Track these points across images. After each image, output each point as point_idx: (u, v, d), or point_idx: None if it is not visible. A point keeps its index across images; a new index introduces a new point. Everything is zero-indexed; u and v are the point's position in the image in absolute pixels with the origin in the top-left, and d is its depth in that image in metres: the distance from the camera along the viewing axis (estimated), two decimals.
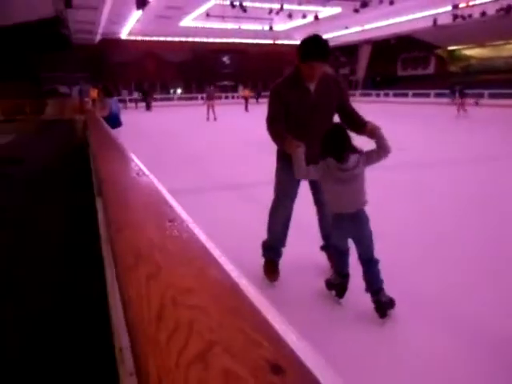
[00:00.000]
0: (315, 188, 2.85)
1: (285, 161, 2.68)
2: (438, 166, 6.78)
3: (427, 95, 28.55)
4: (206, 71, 35.08)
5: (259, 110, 7.79)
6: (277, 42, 33.98)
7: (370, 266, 2.37)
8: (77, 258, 1.87)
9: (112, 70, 31.58)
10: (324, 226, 2.99)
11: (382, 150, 2.36)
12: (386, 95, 31.84)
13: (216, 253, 0.65)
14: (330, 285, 2.63)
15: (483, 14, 21.12)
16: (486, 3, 20.30)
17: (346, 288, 2.57)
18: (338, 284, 2.58)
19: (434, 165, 6.85)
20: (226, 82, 36.53)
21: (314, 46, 2.48)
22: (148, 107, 25.77)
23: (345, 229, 2.43)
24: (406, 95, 30.52)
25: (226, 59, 36.80)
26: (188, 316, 0.46)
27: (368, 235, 2.38)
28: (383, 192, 4.74)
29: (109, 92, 6.54)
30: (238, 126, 15.31)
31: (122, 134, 6.30)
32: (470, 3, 21.09)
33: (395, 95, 31.31)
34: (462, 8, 21.61)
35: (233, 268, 0.63)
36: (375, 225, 2.40)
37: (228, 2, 19.86)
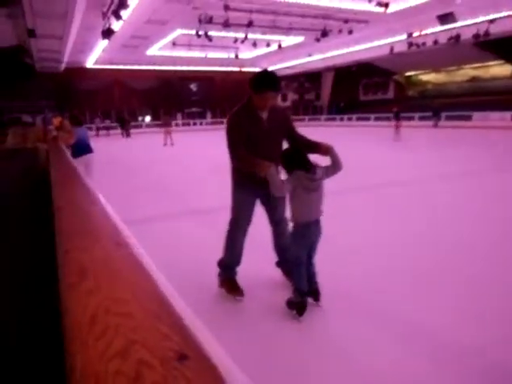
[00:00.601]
0: (270, 208, 3.06)
1: (241, 183, 2.93)
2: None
3: (388, 118, 29.74)
4: (173, 98, 35.34)
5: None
6: (243, 69, 34.76)
7: (313, 264, 2.81)
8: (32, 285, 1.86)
9: (78, 97, 31.31)
10: (280, 243, 3.15)
11: (336, 166, 2.72)
12: (350, 119, 32.98)
13: (152, 268, 0.74)
14: (290, 303, 2.76)
15: (435, 42, 22.42)
16: (437, 32, 21.58)
17: (305, 306, 2.70)
18: (298, 302, 2.71)
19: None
20: (193, 109, 36.87)
21: (265, 78, 2.76)
22: (128, 135, 27.86)
23: (311, 236, 2.69)
24: (368, 119, 31.69)
25: (193, 86, 37.24)
26: (116, 321, 0.54)
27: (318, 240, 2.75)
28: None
29: (78, 121, 6.61)
30: (196, 151, 15.59)
31: (92, 161, 6.36)
32: (423, 32, 22.37)
33: (358, 119, 32.48)
34: (416, 37, 22.91)
35: (164, 281, 0.71)
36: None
37: (193, 32, 20.25)
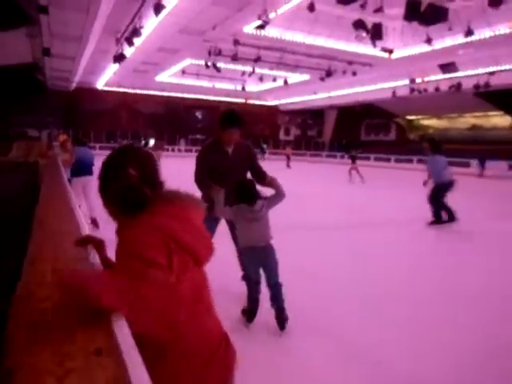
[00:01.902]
0: (232, 229, 3.40)
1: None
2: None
3: (388, 160, 30.23)
4: (178, 124, 35.99)
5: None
6: (248, 101, 35.59)
7: (276, 288, 2.99)
8: None
9: (85, 117, 31.93)
10: (241, 261, 3.56)
11: (278, 195, 3.08)
12: (356, 157, 33.49)
13: None
14: (243, 312, 3.20)
15: (437, 89, 23.09)
16: (439, 80, 22.25)
17: (255, 313, 3.10)
18: (249, 310, 3.12)
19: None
20: (197, 136, 37.44)
21: (229, 117, 3.23)
22: None
23: (256, 259, 3.02)
24: (368, 158, 32.13)
25: (198, 114, 38.00)
26: (55, 323, 0.65)
27: (275, 263, 3.02)
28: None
29: (80, 141, 6.69)
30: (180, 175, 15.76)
31: (89, 183, 6.15)
32: (425, 79, 23.07)
33: (358, 158, 32.92)
34: (418, 83, 23.61)
35: None
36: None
37: (203, 62, 20.92)
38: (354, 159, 16.62)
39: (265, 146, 33.76)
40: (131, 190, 1.12)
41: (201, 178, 3.27)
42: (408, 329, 3.15)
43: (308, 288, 3.96)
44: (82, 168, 6.14)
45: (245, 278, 3.54)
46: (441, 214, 7.07)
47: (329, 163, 32.80)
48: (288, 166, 24.77)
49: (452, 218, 6.95)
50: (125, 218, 1.13)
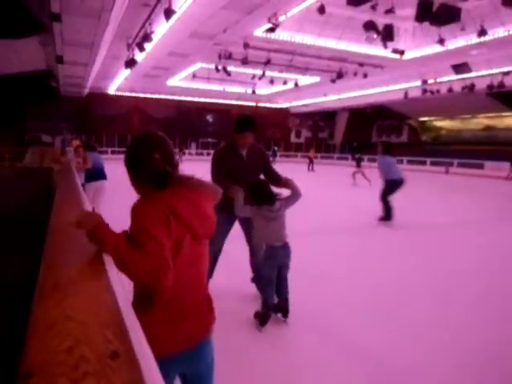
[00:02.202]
0: (247, 231, 3.54)
1: (219, 206, 3.37)
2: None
3: (400, 161, 29.94)
4: (189, 128, 36.19)
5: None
6: (259, 104, 35.63)
7: (285, 279, 3.19)
8: None
9: (97, 122, 32.30)
10: (254, 262, 3.63)
11: (295, 195, 3.19)
12: (361, 160, 33.15)
13: (115, 281, 0.85)
14: (256, 315, 3.21)
15: (450, 90, 22.82)
16: (452, 81, 22.00)
17: (268, 318, 3.14)
18: (263, 314, 3.15)
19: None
20: (209, 139, 37.61)
21: (243, 122, 3.39)
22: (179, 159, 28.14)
23: (277, 258, 3.11)
24: None
25: (209, 118, 38.14)
26: (71, 326, 0.65)
27: (290, 260, 3.19)
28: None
29: (90, 146, 6.78)
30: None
31: (103, 187, 6.31)
32: (438, 80, 22.83)
33: (369, 160, 32.63)
34: (431, 84, 23.37)
35: (122, 293, 0.83)
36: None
37: (213, 66, 21.02)
38: (358, 162, 16.33)
39: (276, 148, 33.75)
40: (158, 170, 1.37)
41: (218, 179, 3.33)
42: (409, 329, 3.17)
43: (309, 289, 4.01)
44: (95, 173, 6.25)
45: (255, 279, 3.63)
46: (391, 210, 7.47)
47: (339, 165, 32.66)
48: (311, 169, 24.11)
49: (389, 216, 7.46)
50: (148, 194, 1.37)
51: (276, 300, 3.25)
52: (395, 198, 7.50)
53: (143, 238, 1.17)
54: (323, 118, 40.99)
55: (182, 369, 1.49)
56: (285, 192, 3.23)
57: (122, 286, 0.86)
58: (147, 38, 14.24)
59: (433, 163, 27.66)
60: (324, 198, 11.34)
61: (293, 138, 41.51)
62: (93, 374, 0.52)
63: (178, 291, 1.34)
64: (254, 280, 3.70)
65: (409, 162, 29.31)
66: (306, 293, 3.81)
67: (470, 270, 4.85)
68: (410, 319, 3.35)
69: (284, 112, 39.32)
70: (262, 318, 3.14)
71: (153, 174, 1.37)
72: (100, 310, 0.73)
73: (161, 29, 14.93)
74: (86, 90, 28.84)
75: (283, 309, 3.21)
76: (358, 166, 16.10)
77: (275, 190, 3.18)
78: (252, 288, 3.65)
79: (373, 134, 39.42)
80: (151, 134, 1.49)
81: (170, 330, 1.35)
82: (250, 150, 3.46)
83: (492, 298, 3.88)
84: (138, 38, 15.52)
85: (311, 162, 24.79)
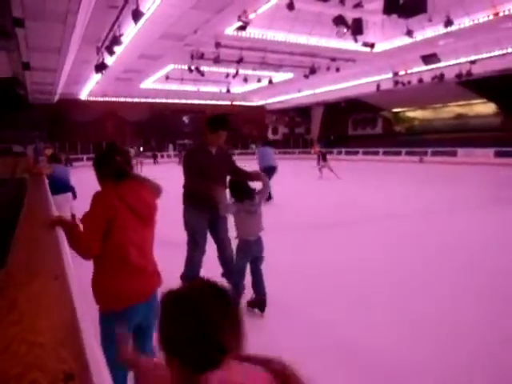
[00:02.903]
0: (215, 230, 3.72)
1: (193, 206, 3.57)
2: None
3: (376, 153, 30.41)
4: (165, 130, 35.82)
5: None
6: (234, 103, 35.54)
7: (260, 274, 3.36)
8: None
9: (71, 128, 31.62)
10: (224, 258, 3.78)
11: (266, 186, 3.47)
12: (339, 153, 33.52)
13: (76, 297, 0.81)
14: (251, 303, 3.36)
15: (420, 80, 23.27)
16: (422, 71, 22.42)
17: (265, 303, 3.31)
18: (257, 301, 3.32)
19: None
20: (186, 141, 37.31)
21: (219, 120, 3.53)
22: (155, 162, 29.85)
23: (251, 250, 3.30)
24: (356, 153, 32.28)
25: (185, 119, 37.87)
26: (25, 348, 0.61)
27: (263, 252, 3.35)
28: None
29: (56, 158, 6.69)
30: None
31: (69, 200, 6.02)
32: (408, 71, 23.23)
33: (347, 153, 33.03)
34: (402, 75, 23.76)
35: (83, 309, 0.78)
36: None
37: (186, 67, 20.83)
38: (324, 157, 16.39)
39: (253, 146, 33.73)
40: (119, 169, 1.88)
41: (197, 182, 3.47)
42: (408, 328, 3.13)
43: (298, 286, 4.00)
44: (58, 186, 5.85)
45: (225, 274, 3.72)
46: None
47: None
48: (322, 167, 17.17)
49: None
50: (106, 187, 1.89)
51: (245, 289, 3.41)
52: (371, 191, 7.54)
53: (84, 226, 1.74)
54: (299, 114, 41.22)
55: (141, 318, 1.84)
56: (257, 186, 3.41)
57: (85, 301, 0.82)
58: (116, 40, 13.99)
59: (407, 153, 28.14)
60: (289, 193, 11.52)
61: (270, 135, 41.58)
62: None
63: (128, 254, 1.79)
64: (224, 275, 3.75)
65: (384, 153, 29.80)
66: (280, 287, 3.81)
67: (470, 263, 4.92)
68: (411, 317, 3.31)
69: (260, 109, 39.35)
70: (258, 305, 3.30)
71: (114, 171, 1.86)
72: (57, 328, 0.69)
73: (130, 31, 14.68)
74: (57, 97, 28.14)
75: (260, 304, 3.32)
76: (324, 160, 16.18)
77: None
78: (223, 282, 3.62)
79: (349, 127, 39.88)
80: (114, 144, 2.02)
81: (125, 284, 1.78)
82: (219, 147, 3.63)
83: (492, 295, 3.79)
84: (107, 41, 15.22)
85: (320, 158, 17.88)
